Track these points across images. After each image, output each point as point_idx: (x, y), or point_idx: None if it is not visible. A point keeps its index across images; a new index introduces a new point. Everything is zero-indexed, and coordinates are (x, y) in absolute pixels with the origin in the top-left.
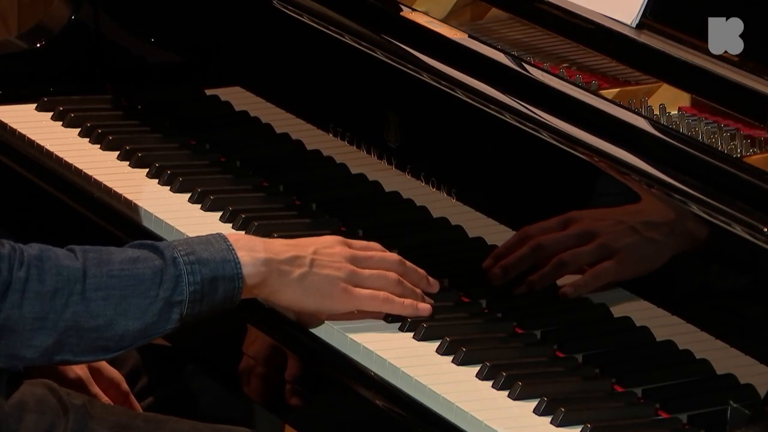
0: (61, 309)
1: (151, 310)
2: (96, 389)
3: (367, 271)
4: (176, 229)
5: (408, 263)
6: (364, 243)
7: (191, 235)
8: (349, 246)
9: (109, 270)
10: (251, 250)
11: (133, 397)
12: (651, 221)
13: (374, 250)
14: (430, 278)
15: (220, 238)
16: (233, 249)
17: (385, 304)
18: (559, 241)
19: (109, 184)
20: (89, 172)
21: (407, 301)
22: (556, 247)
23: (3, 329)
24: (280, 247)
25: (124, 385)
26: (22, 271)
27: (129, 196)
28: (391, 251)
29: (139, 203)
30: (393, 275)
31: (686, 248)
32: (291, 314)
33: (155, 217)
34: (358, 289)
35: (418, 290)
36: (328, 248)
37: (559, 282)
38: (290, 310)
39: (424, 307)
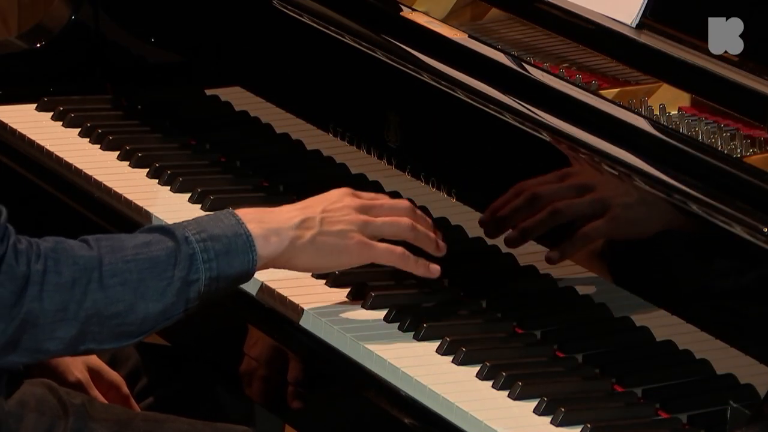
0: (80, 298)
1: (170, 291)
2: (96, 392)
3: (379, 219)
4: None
5: (418, 210)
6: (372, 194)
7: None
8: (358, 197)
9: (124, 255)
10: (260, 221)
11: (133, 401)
12: (651, 221)
13: (383, 198)
14: (439, 242)
15: (229, 213)
16: (243, 222)
17: (400, 260)
18: (553, 194)
19: (109, 184)
20: (89, 172)
21: (421, 260)
22: (552, 198)
23: (26, 324)
24: (288, 213)
25: (125, 389)
26: (39, 263)
27: (129, 196)
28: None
29: (139, 203)
30: (406, 221)
31: (686, 248)
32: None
33: (155, 217)
34: (374, 243)
35: (432, 235)
36: (336, 203)
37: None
38: (310, 272)
39: (435, 268)
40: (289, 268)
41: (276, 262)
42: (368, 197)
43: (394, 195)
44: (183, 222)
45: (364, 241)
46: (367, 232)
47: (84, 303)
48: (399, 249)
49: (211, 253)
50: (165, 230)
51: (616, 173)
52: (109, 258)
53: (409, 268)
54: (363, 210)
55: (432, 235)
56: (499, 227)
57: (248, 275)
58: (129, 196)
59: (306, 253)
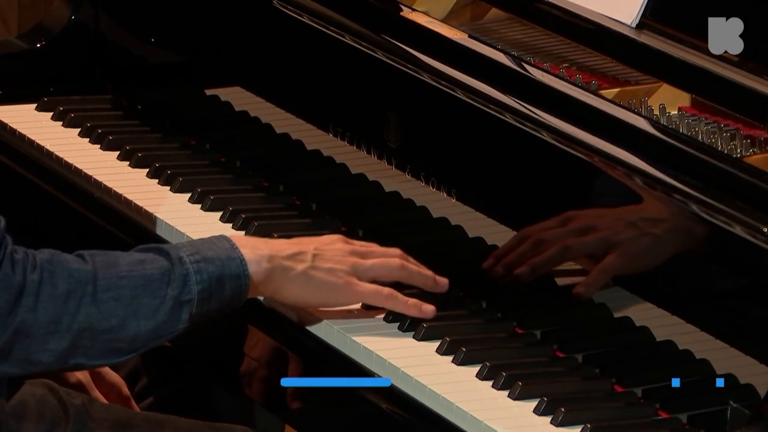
0: (74, 311)
1: (162, 310)
2: (96, 393)
3: (369, 261)
4: (176, 229)
5: (410, 258)
6: (364, 242)
7: (192, 235)
8: (350, 243)
9: (118, 271)
10: (254, 248)
11: (133, 402)
12: (651, 219)
13: (375, 246)
14: (437, 278)
15: (223, 238)
16: (237, 247)
17: (389, 301)
18: (561, 235)
19: (109, 184)
20: (89, 172)
21: (411, 300)
22: (558, 240)
23: (19, 333)
24: (282, 244)
25: (125, 390)
26: (35, 274)
27: (129, 196)
28: None
29: (139, 203)
30: (396, 261)
31: (686, 248)
32: (293, 315)
33: (155, 217)
34: (362, 283)
35: (427, 272)
36: (329, 244)
37: (569, 283)
38: (295, 306)
39: (428, 309)
40: (277, 299)
41: (266, 289)
42: (360, 244)
43: (394, 195)
44: (178, 243)
45: (352, 282)
46: (357, 273)
47: (77, 316)
48: (387, 290)
49: (205, 274)
50: (159, 250)
51: (617, 175)
52: (104, 273)
53: (398, 309)
54: (354, 255)
55: (426, 272)
56: (507, 272)
57: (240, 299)
58: (129, 196)
59: (296, 284)
